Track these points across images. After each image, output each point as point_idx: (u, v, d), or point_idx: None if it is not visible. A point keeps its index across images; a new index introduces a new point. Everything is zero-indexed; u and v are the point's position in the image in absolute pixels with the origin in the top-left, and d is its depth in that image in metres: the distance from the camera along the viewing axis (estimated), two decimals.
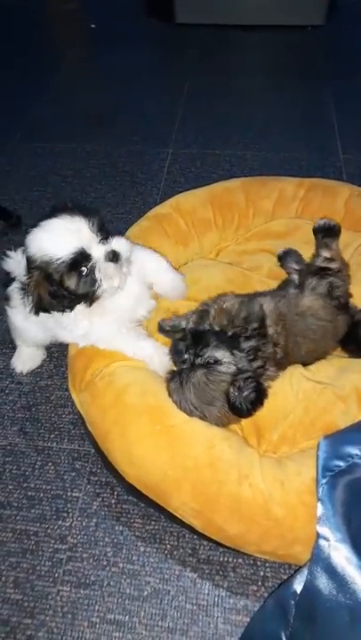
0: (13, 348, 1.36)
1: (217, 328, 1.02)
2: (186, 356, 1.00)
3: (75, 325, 1.03)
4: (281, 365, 1.05)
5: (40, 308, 0.96)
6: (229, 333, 1.01)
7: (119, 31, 2.89)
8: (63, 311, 0.98)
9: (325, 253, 1.19)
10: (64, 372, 1.31)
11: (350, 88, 2.36)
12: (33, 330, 1.20)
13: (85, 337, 1.06)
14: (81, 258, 0.93)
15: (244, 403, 0.92)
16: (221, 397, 0.94)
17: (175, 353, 1.04)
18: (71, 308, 0.98)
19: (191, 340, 1.01)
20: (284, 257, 1.29)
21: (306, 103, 2.29)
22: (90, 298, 0.97)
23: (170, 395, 1.00)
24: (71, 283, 0.94)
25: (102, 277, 0.96)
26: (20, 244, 1.21)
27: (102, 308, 1.01)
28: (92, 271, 0.95)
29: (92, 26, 2.98)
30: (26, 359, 1.33)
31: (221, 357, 0.97)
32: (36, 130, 2.19)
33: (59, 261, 0.92)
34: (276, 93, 2.38)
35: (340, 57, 2.60)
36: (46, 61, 2.69)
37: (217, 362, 0.97)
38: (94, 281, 0.95)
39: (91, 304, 0.99)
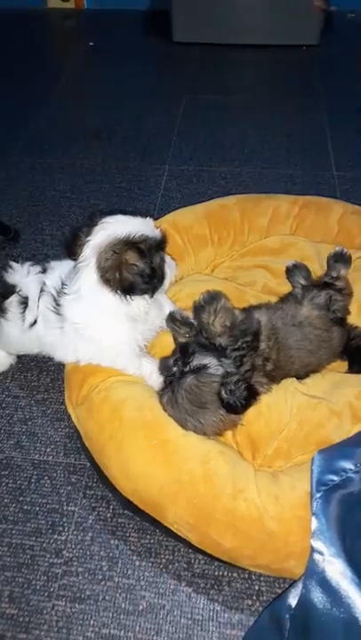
0: None
1: (217, 327, 1.04)
2: (175, 369, 1.03)
3: (106, 331, 1.06)
4: (273, 378, 1.06)
5: (128, 290, 1.00)
6: (217, 344, 1.03)
7: (117, 49, 2.94)
8: (146, 289, 1.03)
9: (333, 273, 1.23)
10: (60, 386, 1.32)
11: (343, 106, 2.41)
12: (27, 344, 1.21)
13: (90, 352, 1.09)
14: (164, 242, 1.05)
15: (236, 400, 0.94)
16: (214, 399, 0.96)
17: (164, 368, 1.07)
18: (149, 286, 1.03)
19: (179, 353, 1.04)
20: (292, 270, 1.30)
21: (300, 121, 2.33)
22: (158, 284, 1.06)
23: (164, 408, 1.01)
24: (156, 259, 1.03)
25: (167, 268, 1.08)
26: (17, 257, 1.23)
27: (140, 314, 1.06)
28: (165, 259, 1.07)
29: (91, 44, 3.03)
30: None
31: (208, 362, 1.00)
32: (34, 145, 2.22)
33: (152, 237, 1.02)
34: (271, 111, 2.42)
35: (333, 75, 2.66)
36: (45, 77, 2.73)
37: (205, 367, 0.99)
38: (164, 268, 1.07)
39: (153, 294, 1.06)
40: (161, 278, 1.07)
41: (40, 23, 3.28)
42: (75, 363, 1.13)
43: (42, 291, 1.13)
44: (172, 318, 1.14)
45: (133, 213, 1.07)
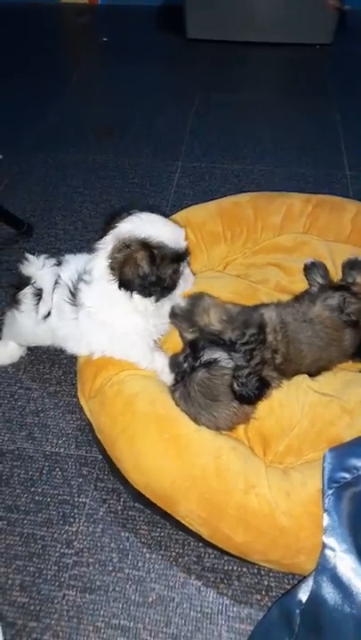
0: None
1: (215, 324, 1.06)
2: (185, 365, 1.04)
3: (117, 317, 1.07)
4: (283, 372, 1.07)
5: (125, 285, 1.01)
6: (226, 338, 1.05)
7: (131, 45, 2.94)
8: (144, 292, 1.03)
9: (349, 279, 1.23)
10: (72, 379, 1.33)
11: (356, 105, 2.40)
12: (39, 336, 1.22)
13: (102, 346, 1.10)
14: (184, 256, 1.05)
15: (249, 391, 0.96)
16: (226, 391, 0.98)
17: (174, 365, 1.08)
18: (150, 292, 1.03)
19: (189, 349, 1.06)
20: (311, 268, 1.30)
21: (313, 119, 2.33)
22: (165, 292, 1.06)
23: (177, 403, 1.03)
24: (167, 271, 1.03)
25: (182, 280, 1.09)
26: (30, 251, 1.25)
27: (144, 310, 1.07)
28: (180, 271, 1.07)
29: (105, 39, 3.03)
30: (8, 354, 1.36)
31: (219, 356, 1.02)
32: (48, 140, 2.23)
33: (170, 249, 1.01)
34: (284, 109, 2.42)
35: (347, 75, 2.65)
36: (59, 72, 2.74)
37: (216, 361, 1.01)
38: (177, 281, 1.07)
39: (158, 299, 1.06)
40: (169, 288, 1.07)
41: (54, 18, 3.28)
42: (88, 355, 1.14)
43: (56, 283, 1.13)
44: (172, 314, 1.15)
45: (161, 213, 1.09)
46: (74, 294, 1.09)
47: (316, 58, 2.80)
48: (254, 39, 2.84)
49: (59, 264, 1.18)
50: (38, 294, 1.15)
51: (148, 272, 1.00)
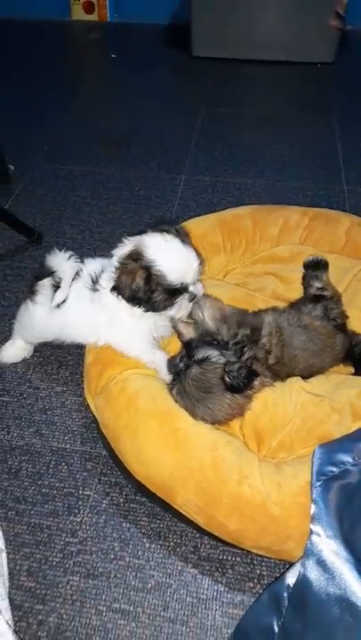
0: (31, 354, 1.47)
1: (208, 321, 1.14)
2: (181, 365, 1.12)
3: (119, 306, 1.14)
4: (276, 373, 1.14)
5: (120, 291, 1.10)
6: (220, 339, 1.12)
7: (138, 61, 3.05)
8: (132, 303, 1.11)
9: (317, 284, 1.30)
10: (78, 380, 1.40)
11: (355, 122, 2.49)
12: (49, 327, 1.27)
13: (107, 332, 1.19)
14: (181, 290, 1.11)
15: (238, 381, 1.03)
16: (218, 383, 1.05)
17: (171, 367, 1.16)
18: (138, 305, 1.11)
19: (184, 351, 1.14)
20: (311, 265, 1.36)
21: (313, 135, 2.42)
22: (154, 310, 1.13)
23: (175, 400, 1.10)
24: (158, 297, 1.10)
25: (177, 308, 1.13)
26: (39, 258, 1.33)
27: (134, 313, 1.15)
28: (174, 302, 1.12)
29: (113, 55, 3.14)
30: (14, 353, 1.44)
31: (210, 354, 1.09)
32: (58, 152, 2.32)
33: (166, 282, 1.08)
34: (286, 125, 2.51)
35: (347, 93, 2.74)
36: (69, 87, 2.85)
37: (207, 357, 1.09)
38: (170, 305, 1.12)
39: (147, 311, 1.13)
40: (157, 309, 1.13)
41: (65, 34, 3.41)
42: (94, 345, 1.22)
43: (77, 274, 1.22)
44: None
45: (171, 225, 1.17)
46: (95, 282, 1.18)
47: (317, 76, 2.90)
48: (258, 57, 2.95)
49: (81, 262, 1.25)
50: (56, 286, 1.22)
51: (140, 289, 1.08)
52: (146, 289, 1.08)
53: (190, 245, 1.14)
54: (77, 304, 1.20)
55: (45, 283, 1.24)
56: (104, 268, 1.19)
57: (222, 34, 2.91)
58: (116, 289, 1.11)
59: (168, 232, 1.12)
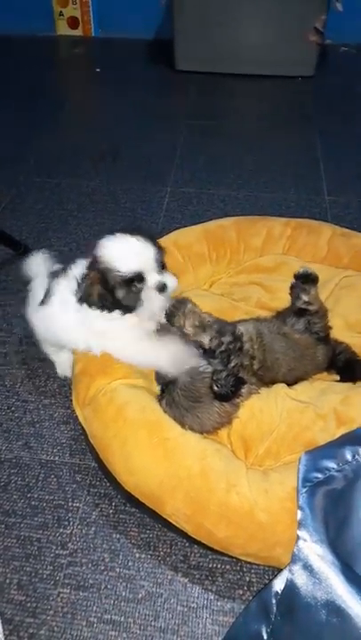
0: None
1: (188, 328, 1.16)
2: (169, 376, 1.14)
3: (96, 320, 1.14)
4: (261, 379, 1.17)
5: (86, 301, 1.11)
6: (206, 347, 1.15)
7: (123, 76, 3.09)
8: (102, 310, 1.12)
9: (305, 297, 1.29)
10: (66, 392, 1.41)
11: (336, 134, 2.55)
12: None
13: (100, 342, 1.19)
14: (136, 278, 1.09)
15: (227, 389, 1.06)
16: (207, 392, 1.07)
17: (159, 379, 1.19)
18: (110, 310, 1.12)
19: None
20: (300, 278, 1.34)
21: (295, 147, 2.47)
22: (127, 310, 1.13)
23: (164, 410, 1.11)
24: (120, 293, 1.10)
25: (146, 300, 1.12)
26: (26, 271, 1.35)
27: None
28: (139, 291, 1.11)
29: (98, 70, 3.18)
30: (66, 366, 1.41)
31: (197, 364, 1.11)
32: (43, 165, 2.34)
33: (118, 274, 1.08)
34: (268, 137, 2.56)
35: (327, 105, 2.80)
36: (55, 101, 2.88)
37: (195, 368, 1.11)
38: (138, 300, 1.11)
39: (125, 314, 1.14)
40: (129, 308, 1.13)
41: (50, 49, 3.44)
42: (82, 354, 1.23)
43: (60, 273, 1.24)
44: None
45: (153, 237, 1.16)
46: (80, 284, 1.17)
47: (298, 89, 2.96)
48: (240, 71, 3.01)
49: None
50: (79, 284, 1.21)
51: (103, 293, 1.09)
52: (108, 290, 1.09)
53: (155, 246, 1.12)
54: (63, 308, 1.20)
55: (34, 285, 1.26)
56: None
57: (205, 48, 2.96)
58: (83, 300, 1.12)
59: (125, 233, 1.12)
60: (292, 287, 1.35)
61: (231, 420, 1.11)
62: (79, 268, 1.21)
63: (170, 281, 1.14)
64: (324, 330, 1.27)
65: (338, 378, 1.28)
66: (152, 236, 1.15)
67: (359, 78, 3.07)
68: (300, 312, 1.29)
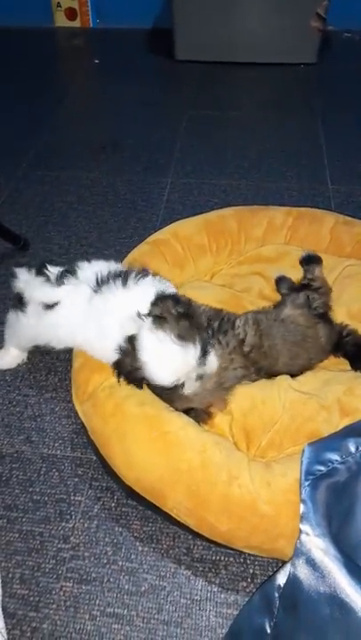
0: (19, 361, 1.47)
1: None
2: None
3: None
4: (255, 363, 1.16)
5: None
6: None
7: (122, 66, 3.06)
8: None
9: (309, 275, 1.35)
10: (67, 386, 1.40)
11: (340, 122, 2.51)
12: (42, 333, 1.26)
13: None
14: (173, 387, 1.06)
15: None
16: None
17: None
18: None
19: None
20: (278, 282, 1.42)
21: (298, 136, 2.43)
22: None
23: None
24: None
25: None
26: (26, 265, 1.33)
27: None
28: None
29: (96, 61, 3.15)
30: (9, 361, 1.45)
31: None
32: (43, 158, 2.32)
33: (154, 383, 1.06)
34: (270, 126, 2.52)
35: (330, 93, 2.76)
36: (53, 93, 2.85)
37: None
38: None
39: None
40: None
41: (48, 41, 3.41)
42: (81, 360, 1.21)
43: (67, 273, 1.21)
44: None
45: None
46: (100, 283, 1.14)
47: (300, 77, 2.92)
48: (241, 60, 2.96)
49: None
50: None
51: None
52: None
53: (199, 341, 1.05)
54: (72, 305, 1.17)
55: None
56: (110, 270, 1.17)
57: (205, 37, 2.92)
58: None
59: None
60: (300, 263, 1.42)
61: (225, 403, 1.11)
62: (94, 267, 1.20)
63: (209, 368, 1.07)
64: (324, 306, 1.27)
65: (346, 367, 1.27)
66: (199, 325, 1.08)
67: None
68: (302, 287, 1.32)
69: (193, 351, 1.02)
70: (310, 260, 1.39)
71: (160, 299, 1.08)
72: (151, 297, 1.09)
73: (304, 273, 1.38)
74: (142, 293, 1.10)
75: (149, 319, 1.04)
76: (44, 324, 1.21)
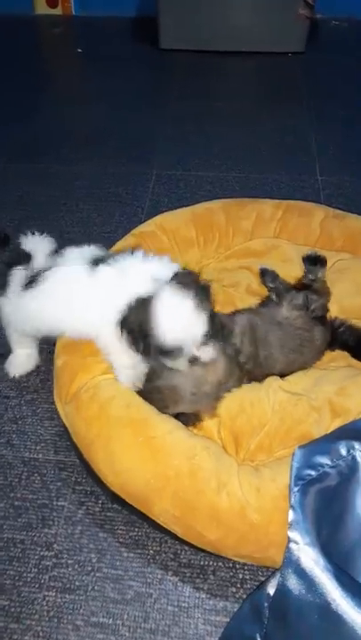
0: None
1: None
2: None
3: None
4: (249, 372, 1.13)
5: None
6: None
7: (105, 56, 2.99)
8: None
9: (311, 276, 1.30)
10: (50, 387, 1.35)
11: (329, 112, 2.47)
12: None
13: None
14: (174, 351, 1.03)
15: None
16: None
17: None
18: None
19: None
20: (262, 274, 1.37)
21: (286, 126, 2.39)
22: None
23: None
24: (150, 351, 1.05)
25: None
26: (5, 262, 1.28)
27: None
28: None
29: (79, 50, 3.07)
30: (18, 363, 1.38)
31: None
32: (24, 151, 2.26)
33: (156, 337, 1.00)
34: (258, 116, 2.48)
35: (319, 82, 2.72)
36: (34, 83, 2.77)
37: None
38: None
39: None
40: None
41: (28, 29, 3.32)
42: (62, 346, 1.18)
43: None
44: None
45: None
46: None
47: (289, 66, 2.87)
48: (227, 48, 2.91)
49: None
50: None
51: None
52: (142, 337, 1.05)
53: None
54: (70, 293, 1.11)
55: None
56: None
57: (191, 25, 2.86)
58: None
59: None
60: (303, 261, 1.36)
61: (214, 407, 1.08)
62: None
63: (206, 353, 1.04)
64: (323, 309, 1.24)
65: (336, 364, 1.24)
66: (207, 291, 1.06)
67: (351, 53, 2.98)
68: (302, 286, 1.27)
69: (202, 325, 1.01)
70: (316, 261, 1.31)
71: (184, 273, 1.07)
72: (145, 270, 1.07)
73: (306, 273, 1.32)
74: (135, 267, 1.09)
75: (171, 283, 1.02)
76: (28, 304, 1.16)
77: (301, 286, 1.28)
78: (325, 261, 1.32)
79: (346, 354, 1.25)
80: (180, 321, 1.00)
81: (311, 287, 1.27)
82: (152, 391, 1.09)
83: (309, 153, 2.20)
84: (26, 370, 1.39)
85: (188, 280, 1.04)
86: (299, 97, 2.60)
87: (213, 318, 1.05)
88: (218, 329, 1.07)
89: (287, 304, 1.21)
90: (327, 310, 1.27)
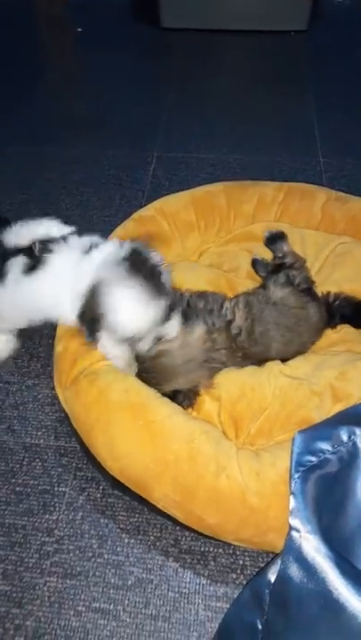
0: None
1: None
2: None
3: None
4: (243, 348, 1.13)
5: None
6: None
7: (105, 35, 2.93)
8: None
9: (278, 253, 1.33)
10: (50, 372, 1.34)
11: (331, 93, 2.42)
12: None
13: None
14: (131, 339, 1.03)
15: None
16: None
17: None
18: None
19: None
20: (254, 264, 1.38)
21: (289, 108, 2.34)
22: None
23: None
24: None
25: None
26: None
27: None
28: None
29: (79, 30, 3.01)
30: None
31: None
32: (23, 133, 2.22)
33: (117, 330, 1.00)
34: (260, 97, 2.43)
35: (322, 62, 2.66)
36: (33, 64, 2.72)
37: None
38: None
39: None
40: None
41: (27, 9, 3.25)
42: (64, 332, 1.18)
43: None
44: None
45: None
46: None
47: (291, 45, 2.81)
48: (229, 27, 2.84)
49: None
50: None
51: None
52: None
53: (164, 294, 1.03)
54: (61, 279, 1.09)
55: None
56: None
57: (193, 4, 2.79)
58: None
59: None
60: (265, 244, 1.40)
61: (211, 382, 1.08)
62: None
63: (170, 330, 1.05)
64: (306, 281, 1.25)
65: (337, 348, 1.22)
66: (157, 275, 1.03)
67: (354, 32, 2.91)
68: (277, 268, 1.28)
69: (156, 309, 0.99)
70: (274, 239, 1.36)
71: (134, 254, 1.03)
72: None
73: (274, 254, 1.34)
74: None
75: (120, 268, 0.99)
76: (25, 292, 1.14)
77: (277, 267, 1.29)
78: (283, 234, 1.36)
79: (346, 338, 1.24)
80: (129, 313, 0.99)
81: (285, 264, 1.28)
82: (142, 372, 1.09)
83: (312, 135, 2.16)
84: (4, 355, 1.38)
85: (138, 264, 1.01)
86: (301, 77, 2.55)
87: (174, 297, 1.07)
88: (183, 306, 1.08)
89: (274, 285, 1.22)
90: (312, 281, 1.28)
